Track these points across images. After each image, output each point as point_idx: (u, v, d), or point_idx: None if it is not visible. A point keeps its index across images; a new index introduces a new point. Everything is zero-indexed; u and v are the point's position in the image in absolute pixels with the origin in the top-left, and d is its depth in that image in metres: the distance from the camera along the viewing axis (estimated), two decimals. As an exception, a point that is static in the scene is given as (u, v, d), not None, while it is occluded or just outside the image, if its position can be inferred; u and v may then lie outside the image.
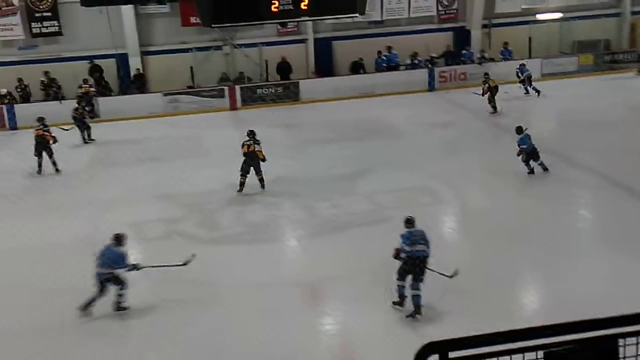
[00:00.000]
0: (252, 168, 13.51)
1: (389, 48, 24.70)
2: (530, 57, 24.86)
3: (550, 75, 24.18)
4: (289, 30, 24.57)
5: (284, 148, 16.62)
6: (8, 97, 22.07)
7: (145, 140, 16.78)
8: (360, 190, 13.76)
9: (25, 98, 22.41)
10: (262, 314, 8.75)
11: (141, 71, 23.61)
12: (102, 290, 8.98)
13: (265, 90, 23.44)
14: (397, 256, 8.69)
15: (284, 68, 24.17)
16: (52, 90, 22.52)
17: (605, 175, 13.65)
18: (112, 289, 9.06)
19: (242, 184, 13.58)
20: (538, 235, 10.83)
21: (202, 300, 9.34)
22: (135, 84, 23.43)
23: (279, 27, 23.99)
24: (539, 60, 24.65)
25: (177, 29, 23.55)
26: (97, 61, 23.28)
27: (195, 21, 22.29)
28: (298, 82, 23.68)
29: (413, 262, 8.56)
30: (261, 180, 13.67)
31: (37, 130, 15.86)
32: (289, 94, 23.42)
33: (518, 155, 13.62)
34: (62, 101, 21.83)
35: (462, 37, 25.84)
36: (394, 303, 8.79)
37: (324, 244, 11.18)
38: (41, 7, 22.86)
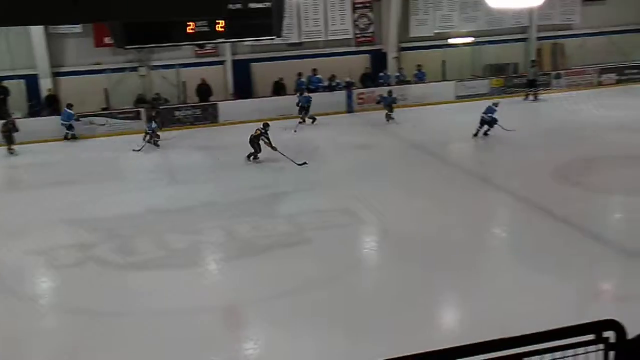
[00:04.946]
0: None
1: (314, 71, 24.90)
2: (444, 79, 25.74)
3: (463, 97, 25.08)
4: (207, 51, 24.39)
5: (202, 170, 16.42)
6: None
7: (51, 163, 16.20)
8: (281, 212, 13.69)
9: None
10: (179, 343, 8.46)
11: (52, 92, 22.85)
12: None
13: (184, 112, 23.14)
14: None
15: (204, 90, 23.94)
16: None
17: (524, 196, 14.07)
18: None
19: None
20: (455, 255, 10.96)
21: (121, 330, 9.01)
22: (48, 105, 22.67)
23: (196, 48, 23.78)
24: (453, 83, 25.56)
25: (91, 49, 23.01)
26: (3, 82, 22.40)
27: (109, 42, 21.85)
28: (217, 104, 23.50)
29: None
30: None
31: None
32: (208, 116, 23.21)
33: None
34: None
35: (379, 59, 26.36)
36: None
37: (246, 266, 11.01)
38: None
